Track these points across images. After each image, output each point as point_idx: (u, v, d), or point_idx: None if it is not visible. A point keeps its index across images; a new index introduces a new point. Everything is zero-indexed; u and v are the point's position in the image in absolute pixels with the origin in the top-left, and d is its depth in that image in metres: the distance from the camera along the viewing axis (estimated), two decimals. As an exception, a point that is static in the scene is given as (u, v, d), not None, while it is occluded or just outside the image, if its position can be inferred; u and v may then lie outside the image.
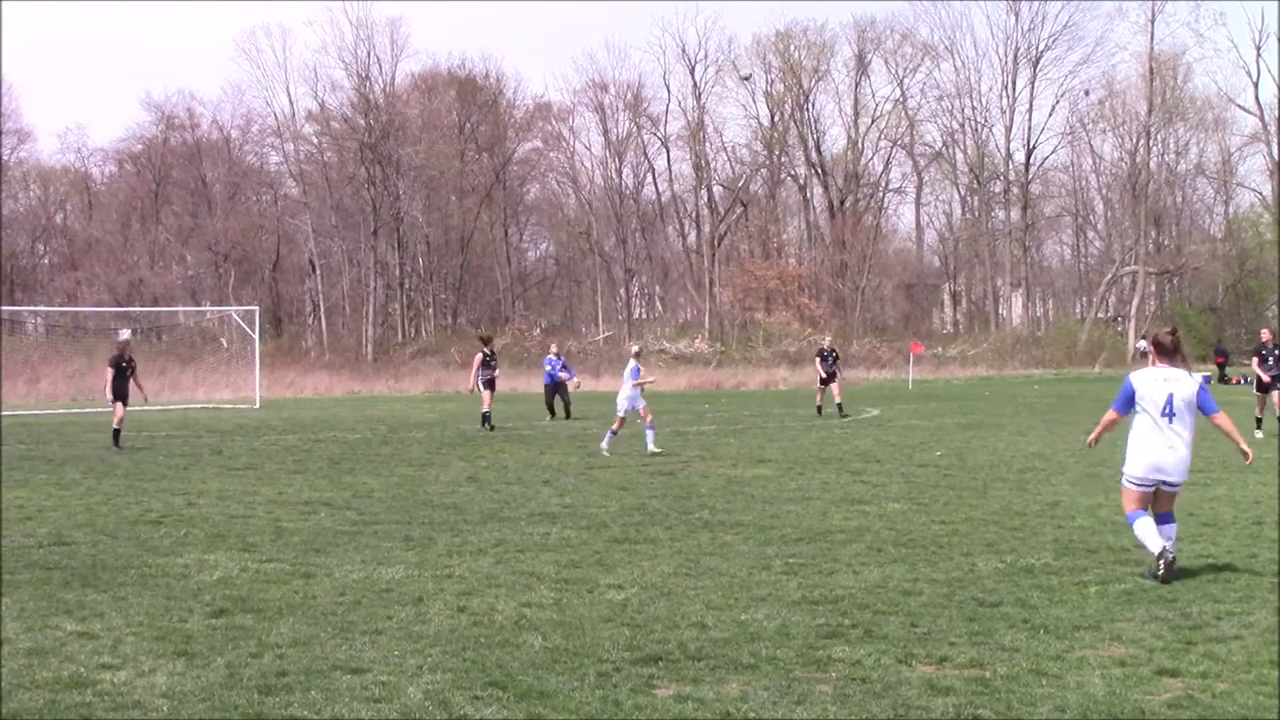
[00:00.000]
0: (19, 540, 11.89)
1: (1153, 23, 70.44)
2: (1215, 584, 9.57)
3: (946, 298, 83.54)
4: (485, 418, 26.31)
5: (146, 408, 36.13)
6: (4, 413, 31.49)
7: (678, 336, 68.47)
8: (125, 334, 23.99)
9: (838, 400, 29.85)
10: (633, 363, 21.84)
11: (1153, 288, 75.65)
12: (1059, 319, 78.97)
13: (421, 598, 9.21)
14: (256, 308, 44.71)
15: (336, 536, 12.10)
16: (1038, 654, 7.54)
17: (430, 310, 73.54)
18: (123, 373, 22.44)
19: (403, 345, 66.08)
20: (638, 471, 17.89)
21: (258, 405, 36.75)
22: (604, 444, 20.83)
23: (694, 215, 78.56)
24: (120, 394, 22.43)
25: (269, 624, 8.40)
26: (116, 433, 22.14)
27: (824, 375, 30.19)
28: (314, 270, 70.26)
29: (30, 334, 57.49)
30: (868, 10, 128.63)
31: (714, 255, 74.17)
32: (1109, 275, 75.07)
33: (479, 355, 27.10)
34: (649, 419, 21.08)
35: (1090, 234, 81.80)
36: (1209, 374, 50.22)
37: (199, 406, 37.18)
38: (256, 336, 40.62)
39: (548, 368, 31.12)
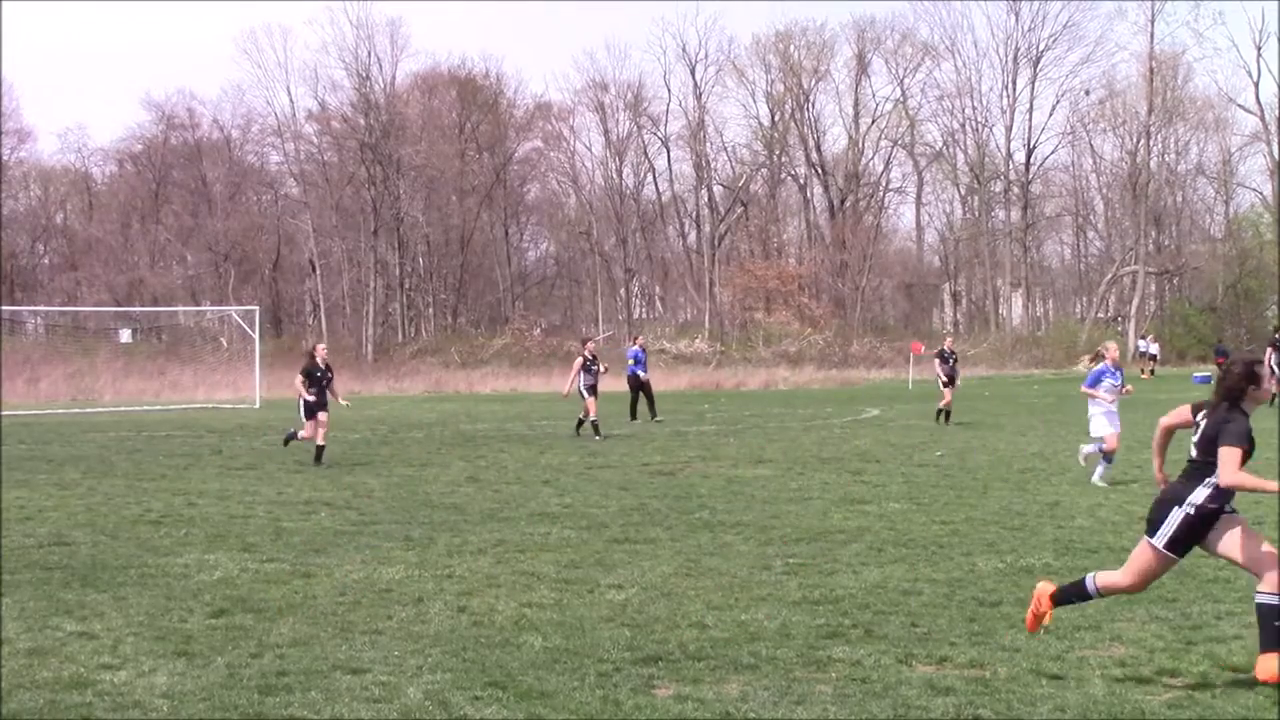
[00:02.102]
0: (19, 540, 11.89)
1: (1152, 22, 70.42)
2: (1215, 584, 9.58)
3: (947, 297, 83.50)
4: (595, 426, 24.11)
5: (146, 408, 36.19)
6: (4, 413, 31.48)
7: (678, 336, 68.46)
8: (321, 346, 20.77)
9: (947, 408, 27.22)
10: (1104, 364, 16.59)
11: (1153, 288, 75.59)
12: (1059, 319, 78.93)
13: (421, 598, 9.21)
14: (256, 308, 44.72)
15: (336, 536, 12.10)
16: (1038, 654, 7.54)
17: (430, 310, 73.54)
18: (318, 381, 19.78)
19: (403, 345, 66.08)
20: (638, 471, 17.89)
21: (258, 405, 36.75)
22: (1097, 477, 15.92)
23: (694, 215, 78.53)
24: (319, 406, 19.65)
25: (269, 624, 8.40)
26: (320, 449, 19.38)
27: (946, 378, 27.62)
28: (314, 270, 70.25)
29: (30, 334, 57.52)
30: (868, 10, 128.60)
31: (714, 255, 74.15)
32: (1109, 275, 75.03)
33: (579, 359, 25.04)
34: (1114, 445, 16.22)
35: (1090, 234, 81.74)
36: (1209, 374, 50.19)
37: (199, 406, 37.18)
38: (256, 336, 40.63)
39: (631, 360, 29.06)
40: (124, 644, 7.89)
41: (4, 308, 51.24)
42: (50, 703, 6.67)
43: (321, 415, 19.58)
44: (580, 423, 24.58)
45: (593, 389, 24.47)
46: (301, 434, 19.97)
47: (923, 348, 55.49)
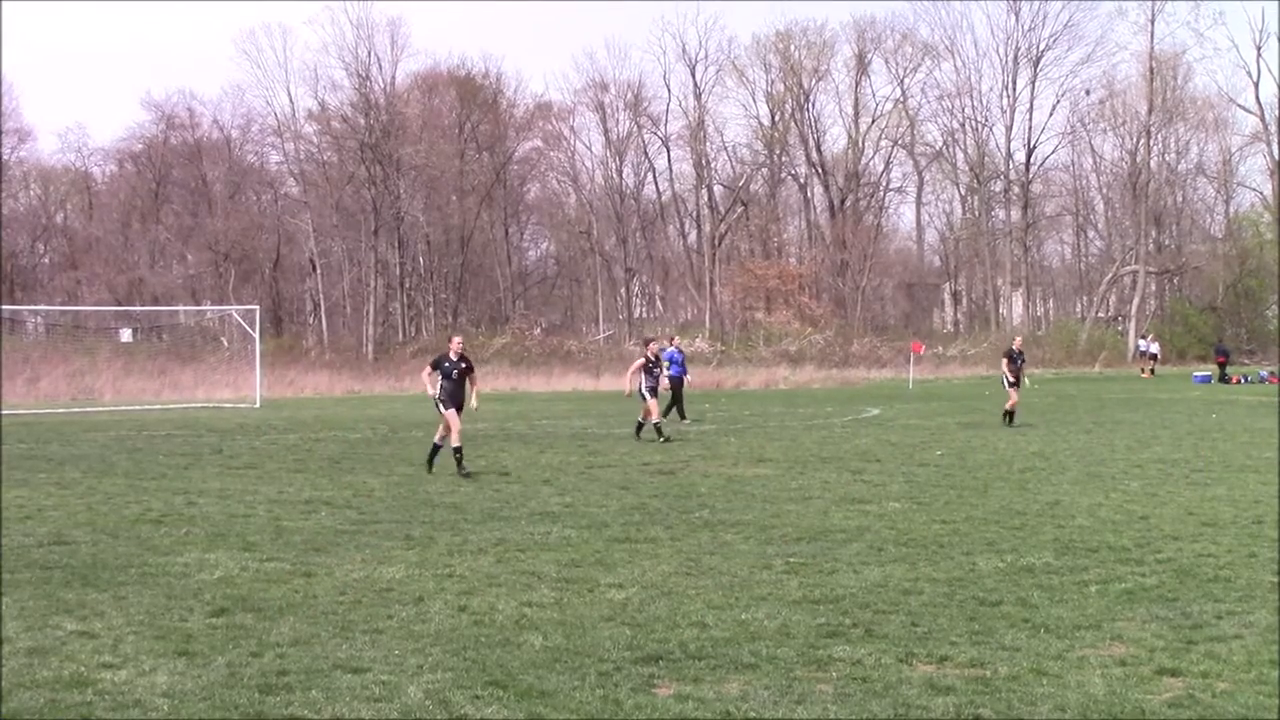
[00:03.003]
0: (19, 540, 11.89)
1: (1153, 22, 70.38)
2: (1215, 584, 9.57)
3: (947, 297, 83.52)
4: (657, 428, 23.31)
5: (146, 408, 36.19)
6: (4, 413, 31.48)
7: (678, 336, 68.40)
8: (457, 338, 18.71)
9: (1008, 408, 26.60)
10: None
11: (1153, 287, 75.57)
12: (1059, 319, 78.93)
13: (422, 597, 9.21)
14: (257, 307, 44.67)
15: (337, 535, 12.09)
16: (1038, 653, 7.54)
17: (431, 310, 73.51)
18: (448, 374, 17.93)
19: (403, 345, 66.07)
20: (638, 471, 17.88)
21: (258, 404, 36.74)
22: None
23: (694, 215, 78.51)
24: (451, 402, 17.82)
25: (269, 623, 8.40)
26: (457, 452, 17.61)
27: (1012, 379, 26.97)
28: (314, 269, 70.22)
29: (30, 334, 57.45)
30: (868, 10, 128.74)
31: (714, 255, 74.13)
32: (1109, 275, 75.01)
33: (640, 359, 24.32)
34: None
35: (1090, 233, 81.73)
36: (1209, 374, 50.22)
37: (199, 405, 37.18)
38: (257, 336, 40.59)
39: (667, 363, 27.78)
40: (124, 643, 7.90)
41: (4, 307, 51.18)
42: (50, 702, 6.67)
43: (452, 413, 17.71)
44: (640, 425, 23.90)
45: (654, 390, 23.97)
46: (438, 437, 18.15)
47: (923, 347, 55.56)
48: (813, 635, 8.00)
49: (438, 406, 18.02)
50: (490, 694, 6.76)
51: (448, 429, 17.78)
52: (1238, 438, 22.77)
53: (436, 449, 17.98)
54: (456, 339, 18.71)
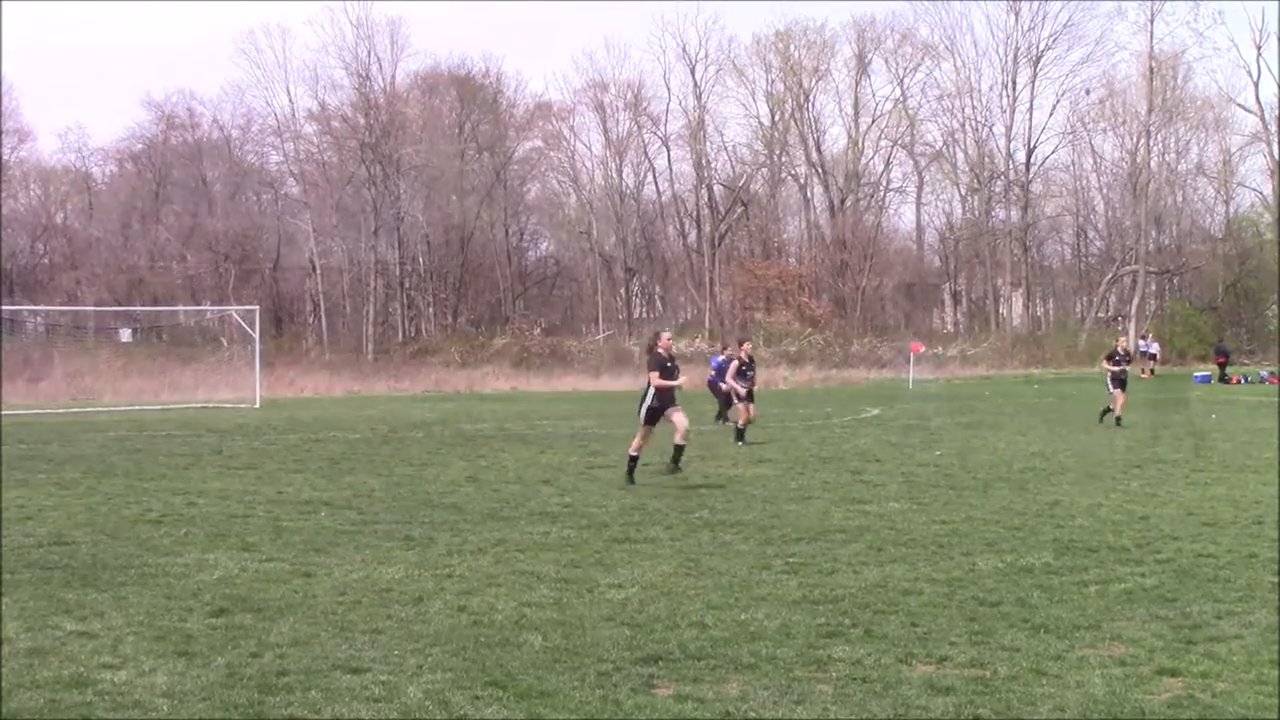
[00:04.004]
0: (19, 540, 11.88)
1: (1152, 22, 70.31)
2: (1215, 584, 9.58)
3: (947, 297, 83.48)
4: (739, 433, 22.56)
5: (146, 407, 36.19)
6: (4, 413, 31.48)
7: (678, 336, 68.36)
8: (666, 335, 17.53)
9: (1118, 413, 26.04)
10: None
11: (1153, 287, 75.53)
12: (1059, 319, 78.89)
13: (421, 597, 9.21)
14: (256, 307, 44.65)
15: (336, 536, 12.09)
16: (1038, 653, 7.54)
17: (430, 310, 73.51)
18: (670, 374, 16.80)
19: (403, 345, 66.08)
20: (637, 471, 17.86)
21: (258, 404, 36.73)
22: None
23: (694, 215, 78.47)
24: (669, 403, 16.84)
25: (269, 623, 8.40)
26: (679, 450, 17.07)
27: (1118, 380, 26.29)
28: (314, 270, 70.20)
29: (30, 334, 57.44)
30: (868, 10, 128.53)
31: (714, 255, 74.12)
32: (1109, 275, 75.00)
33: (734, 362, 23.73)
34: None
35: (1091, 233, 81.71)
36: (1209, 373, 50.21)
37: (199, 406, 37.18)
38: (256, 336, 40.57)
39: (714, 371, 27.80)
40: (124, 643, 7.90)
41: (4, 308, 51.19)
42: (50, 702, 6.67)
43: (673, 414, 16.74)
44: (740, 430, 22.89)
45: (750, 394, 23.41)
46: (633, 446, 16.88)
47: (923, 347, 55.52)
48: (812, 635, 8.00)
49: (649, 416, 16.70)
50: (490, 694, 6.76)
51: (645, 437, 16.73)
52: (1238, 438, 22.77)
53: (635, 460, 16.69)
54: (666, 335, 17.56)
